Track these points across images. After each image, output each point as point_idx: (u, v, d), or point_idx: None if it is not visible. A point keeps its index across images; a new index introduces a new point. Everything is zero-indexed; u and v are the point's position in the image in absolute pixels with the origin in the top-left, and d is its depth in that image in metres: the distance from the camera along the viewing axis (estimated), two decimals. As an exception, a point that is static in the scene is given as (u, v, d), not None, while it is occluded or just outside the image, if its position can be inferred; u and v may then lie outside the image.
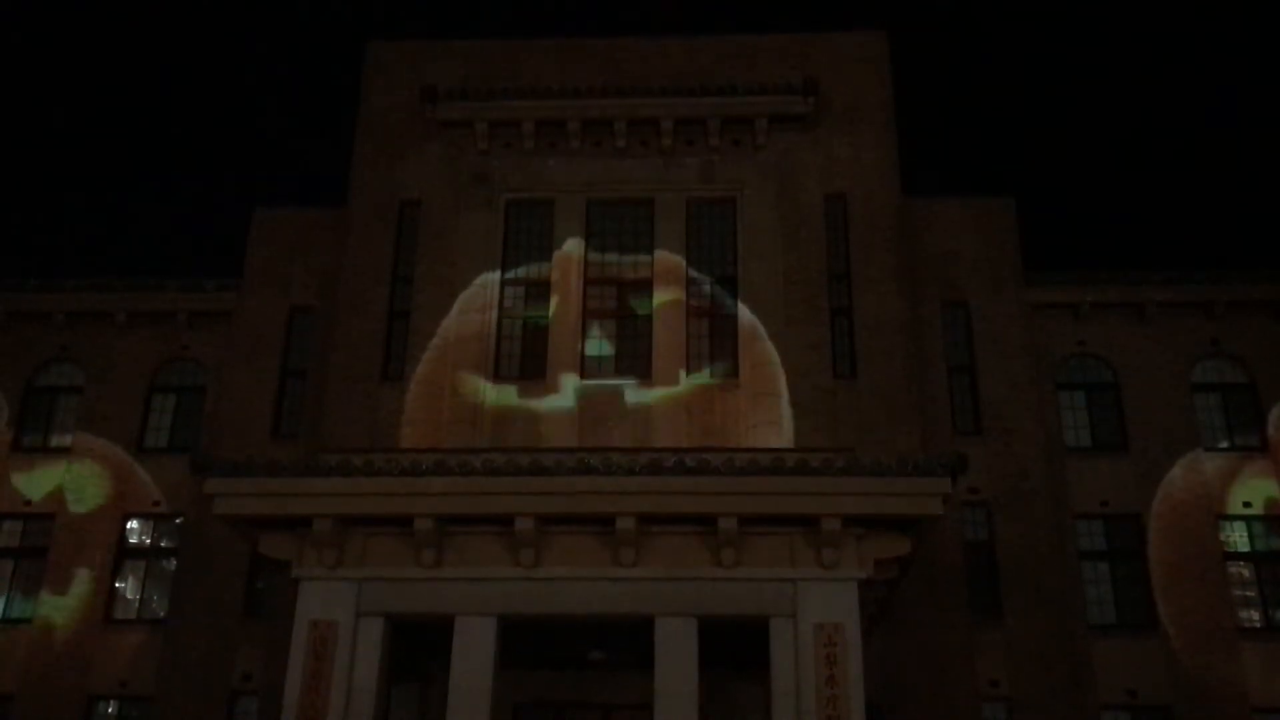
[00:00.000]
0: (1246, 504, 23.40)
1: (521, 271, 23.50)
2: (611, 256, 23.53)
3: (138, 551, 24.27)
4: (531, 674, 20.08)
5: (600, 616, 16.77)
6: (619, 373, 22.54)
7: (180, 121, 64.11)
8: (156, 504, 24.30)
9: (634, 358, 22.68)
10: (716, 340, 22.77)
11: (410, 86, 24.67)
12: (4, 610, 23.84)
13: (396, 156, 24.40)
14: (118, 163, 62.09)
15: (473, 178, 24.06)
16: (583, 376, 22.37)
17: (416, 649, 18.39)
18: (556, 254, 23.37)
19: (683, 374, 22.26)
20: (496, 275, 23.28)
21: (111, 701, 23.04)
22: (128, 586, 24.08)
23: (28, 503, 24.46)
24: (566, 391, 22.17)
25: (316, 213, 25.57)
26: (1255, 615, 22.82)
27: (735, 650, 17.52)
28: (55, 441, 25.23)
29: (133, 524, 24.43)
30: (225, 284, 25.51)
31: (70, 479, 24.55)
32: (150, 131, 63.19)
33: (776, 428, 21.58)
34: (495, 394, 22.22)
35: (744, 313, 22.67)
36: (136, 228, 60.47)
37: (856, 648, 15.86)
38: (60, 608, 23.48)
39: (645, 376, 22.34)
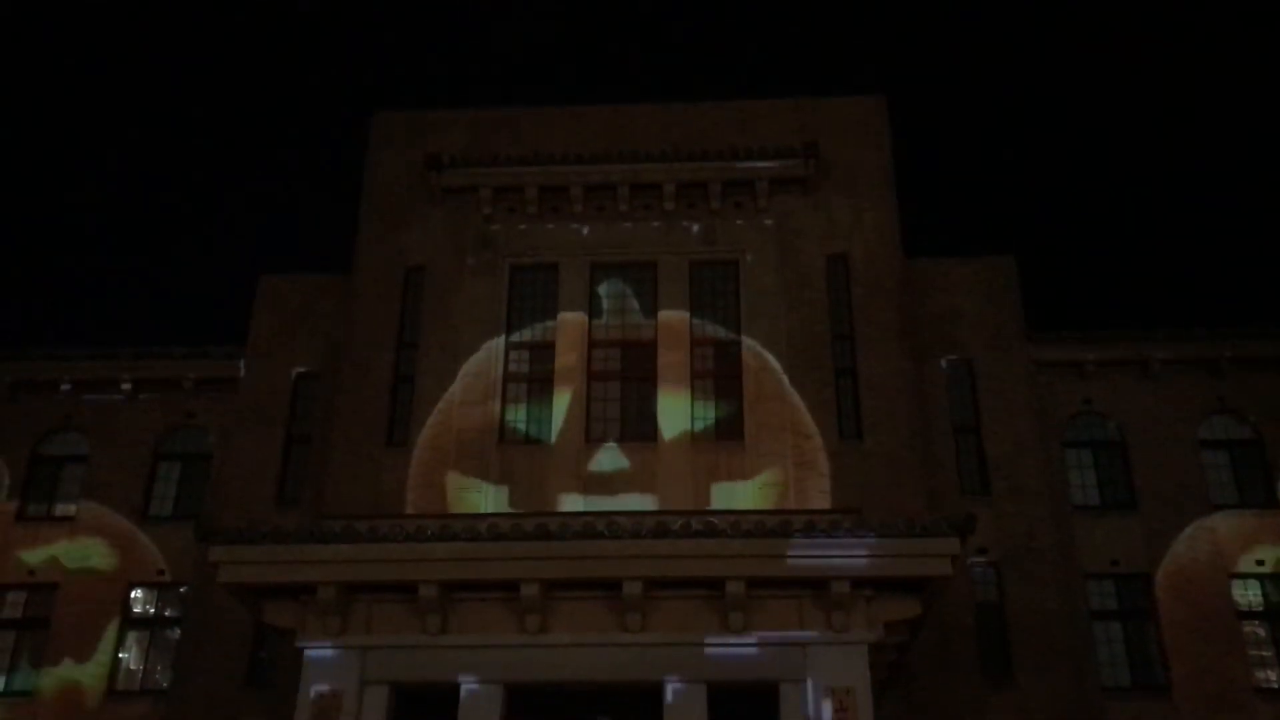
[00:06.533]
0: (1259, 562, 23.17)
1: (526, 335, 23.59)
2: (615, 319, 23.64)
3: (142, 621, 24.07)
4: (538, 742, 19.80)
5: (608, 683, 16.59)
6: (624, 436, 22.51)
7: (185, 189, 64.79)
8: (161, 573, 24.14)
9: (639, 420, 22.67)
10: (721, 402, 22.78)
11: (414, 154, 24.95)
12: (6, 683, 23.52)
13: (401, 223, 24.63)
14: (123, 230, 62.66)
15: (477, 243, 24.26)
16: (588, 440, 22.33)
17: (422, 717, 18.16)
18: (560, 317, 23.48)
19: (688, 436, 22.24)
20: (501, 340, 23.37)
21: (114, 775, 22.73)
22: (131, 657, 23.83)
23: (31, 573, 24.28)
24: (571, 455, 22.12)
25: (321, 279, 25.71)
26: (1271, 675, 22.51)
27: (745, 716, 17.28)
28: (59, 510, 25.10)
29: (137, 593, 24.25)
30: (231, 351, 25.56)
31: (74, 548, 24.42)
32: (156, 199, 63.85)
33: (783, 489, 21.50)
34: (500, 458, 22.18)
35: (748, 374, 22.70)
36: (142, 295, 60.88)
37: (868, 712, 15.68)
38: (63, 679, 23.20)
39: (651, 439, 22.31)
